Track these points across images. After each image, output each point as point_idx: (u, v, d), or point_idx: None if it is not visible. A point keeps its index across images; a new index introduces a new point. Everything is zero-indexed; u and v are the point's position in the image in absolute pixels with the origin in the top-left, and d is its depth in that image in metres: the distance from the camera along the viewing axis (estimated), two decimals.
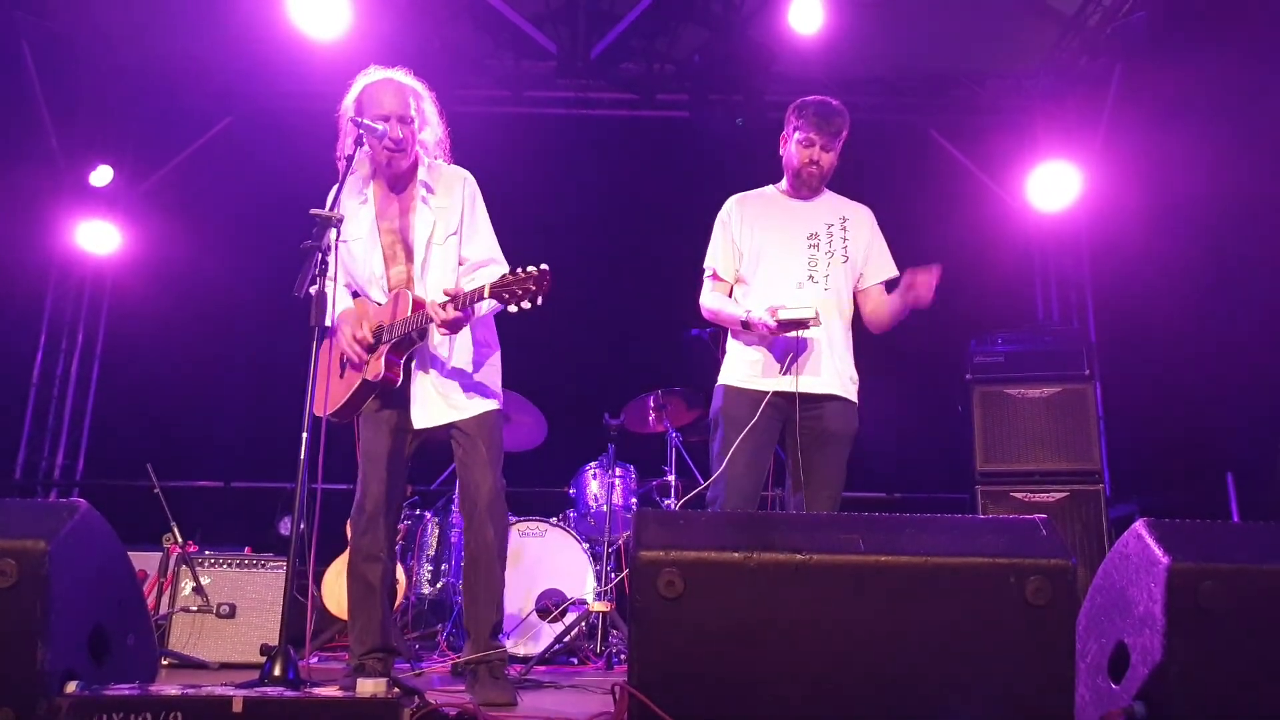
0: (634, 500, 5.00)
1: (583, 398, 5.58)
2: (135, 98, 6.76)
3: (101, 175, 6.49)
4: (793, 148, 3.36)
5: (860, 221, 3.42)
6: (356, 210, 3.08)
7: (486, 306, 2.94)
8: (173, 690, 1.77)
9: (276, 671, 2.26)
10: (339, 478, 2.99)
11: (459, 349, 3.07)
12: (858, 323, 3.42)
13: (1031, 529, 1.91)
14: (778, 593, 1.81)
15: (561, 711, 2.81)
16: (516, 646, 4.33)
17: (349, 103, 3.04)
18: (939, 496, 5.82)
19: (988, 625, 1.80)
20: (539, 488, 5.47)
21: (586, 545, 4.71)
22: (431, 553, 4.99)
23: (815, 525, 1.96)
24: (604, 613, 4.33)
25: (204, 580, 4.01)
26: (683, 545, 1.83)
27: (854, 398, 3.29)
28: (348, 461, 3.10)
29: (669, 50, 6.27)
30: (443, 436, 3.08)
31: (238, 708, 1.72)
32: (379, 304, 3.07)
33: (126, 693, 1.76)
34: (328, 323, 2.67)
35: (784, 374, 3.21)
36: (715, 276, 3.41)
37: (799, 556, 1.82)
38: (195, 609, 3.97)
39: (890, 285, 3.36)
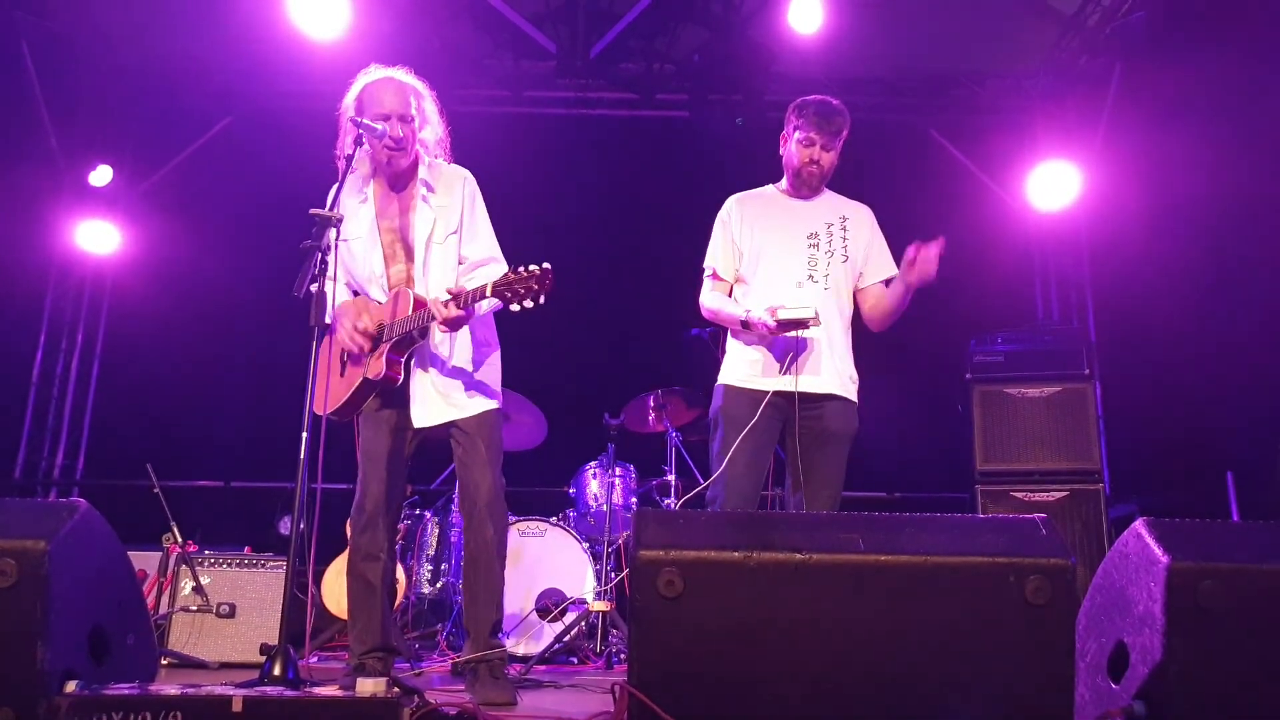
0: (634, 500, 5.00)
1: (583, 397, 5.58)
2: (135, 97, 6.76)
3: (101, 175, 6.49)
4: (793, 147, 3.36)
5: (860, 221, 3.42)
6: (356, 209, 3.08)
7: (487, 305, 2.94)
8: (172, 690, 1.77)
9: (276, 671, 2.26)
10: (339, 477, 2.99)
11: (459, 348, 3.07)
12: (858, 322, 3.42)
13: (1031, 528, 1.91)
14: (777, 592, 1.81)
15: (561, 711, 2.81)
16: (516, 646, 4.33)
17: (349, 102, 3.04)
18: (939, 496, 5.82)
19: (987, 624, 1.80)
20: (539, 487, 5.47)
21: (586, 545, 4.71)
22: (431, 552, 4.99)
23: (815, 525, 1.96)
24: (604, 612, 4.33)
25: (204, 580, 4.01)
26: (682, 545, 1.83)
27: (854, 397, 3.29)
28: (347, 461, 3.11)
29: (668, 50, 6.27)
30: (442, 435, 3.08)
31: (237, 707, 1.72)
32: (379, 303, 3.07)
33: (126, 692, 1.76)
34: (327, 319, 2.67)
35: (784, 373, 3.21)
36: (715, 276, 3.41)
37: (799, 556, 1.82)
38: (195, 609, 3.97)
39: (890, 284, 3.36)
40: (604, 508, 4.80)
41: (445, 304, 2.81)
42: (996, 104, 6.67)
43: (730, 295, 3.40)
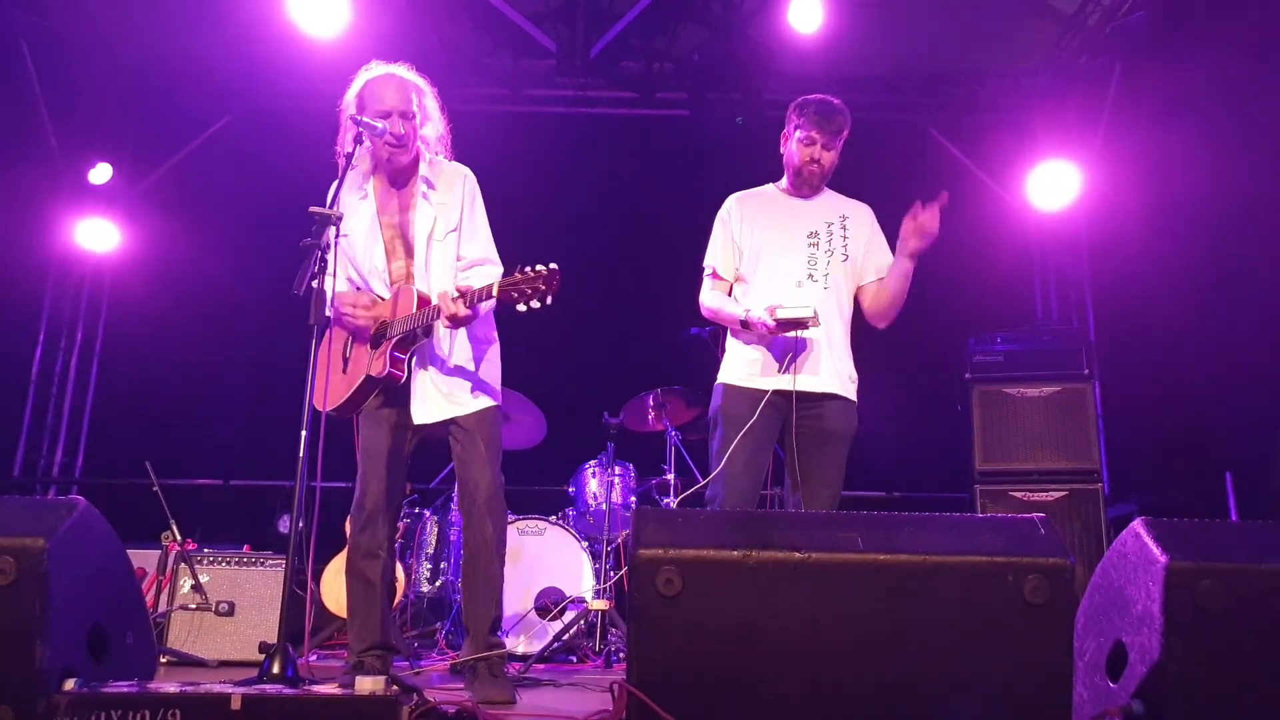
0: (633, 499, 5.00)
1: (582, 396, 5.58)
2: (134, 96, 6.76)
3: (100, 173, 6.49)
4: (794, 146, 3.36)
5: (860, 220, 3.42)
6: (356, 205, 3.08)
7: (487, 304, 2.94)
8: (171, 688, 1.77)
9: (275, 669, 2.26)
10: (338, 475, 2.99)
11: (459, 346, 3.07)
12: (858, 320, 3.42)
13: (1030, 528, 1.91)
14: (776, 591, 1.81)
15: (560, 709, 2.81)
16: (515, 644, 4.34)
17: (350, 98, 3.04)
18: (938, 495, 5.82)
19: (986, 624, 1.80)
20: (538, 486, 5.47)
21: (585, 543, 4.71)
22: (430, 551, 5.00)
23: (814, 524, 1.96)
24: (603, 611, 4.34)
25: (203, 578, 4.01)
26: (681, 544, 1.83)
27: (853, 396, 3.29)
28: (347, 459, 3.11)
29: (668, 49, 6.27)
30: (442, 434, 3.08)
31: (236, 705, 1.72)
32: (381, 298, 3.07)
33: (125, 690, 1.76)
34: (327, 313, 2.68)
35: (783, 373, 3.21)
36: (715, 275, 3.41)
37: (798, 555, 1.82)
38: (194, 607, 3.97)
39: (889, 269, 3.36)
40: (603, 506, 4.80)
41: (454, 300, 2.80)
42: (996, 103, 6.67)
43: (730, 294, 3.40)
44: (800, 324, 3.11)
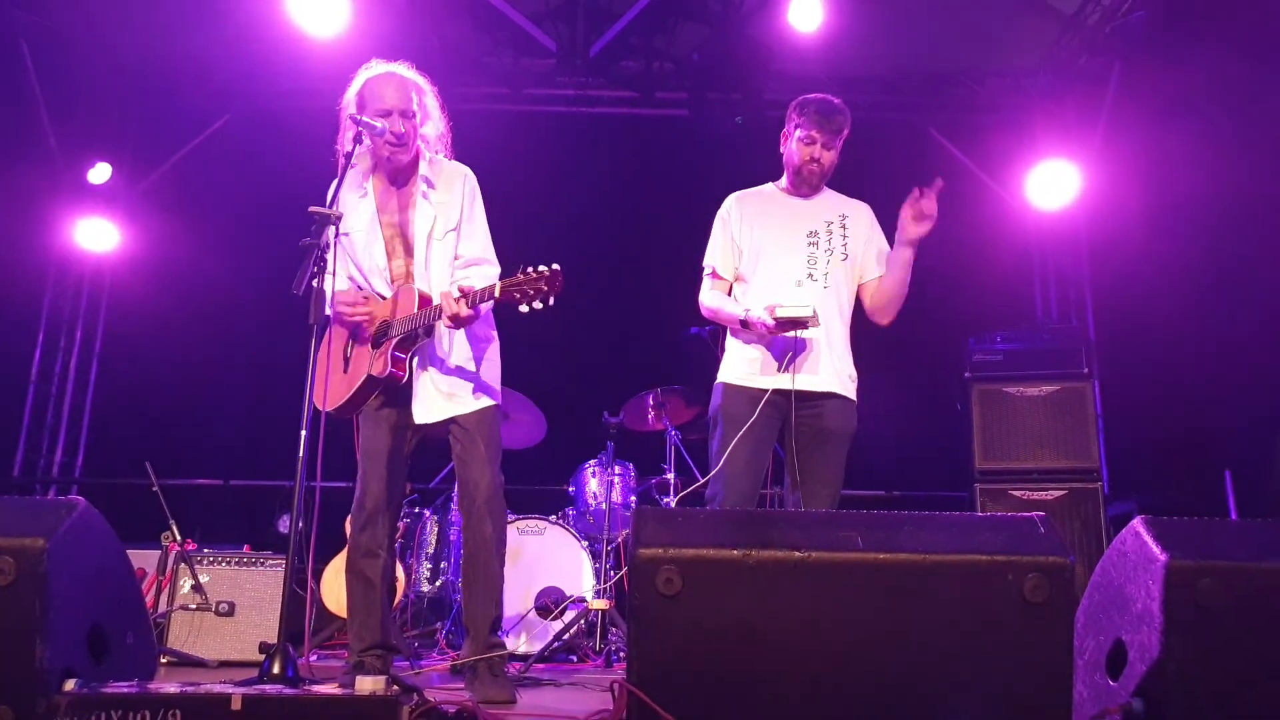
0: (633, 498, 5.00)
1: (582, 396, 5.59)
2: (134, 95, 6.76)
3: (100, 173, 6.49)
4: (794, 145, 3.36)
5: (860, 219, 3.42)
6: (356, 204, 3.08)
7: (488, 304, 2.94)
8: (171, 688, 1.77)
9: (275, 669, 2.26)
10: (338, 475, 2.99)
11: (459, 345, 3.07)
12: (857, 320, 3.42)
13: (1029, 527, 1.91)
14: (776, 590, 1.81)
15: (561, 709, 2.81)
16: (516, 644, 4.33)
17: (350, 97, 3.03)
18: (938, 494, 5.83)
19: (986, 623, 1.80)
20: (538, 485, 5.48)
21: (585, 543, 4.71)
22: (430, 551, 5.00)
23: (814, 523, 1.96)
24: (603, 610, 4.34)
25: (203, 578, 4.01)
26: (681, 543, 1.83)
27: (853, 396, 3.29)
28: (347, 459, 3.11)
29: (668, 48, 6.27)
30: (442, 433, 3.08)
31: (236, 705, 1.72)
32: (382, 297, 3.07)
33: (125, 690, 1.76)
34: (326, 312, 2.68)
35: (783, 372, 3.20)
36: (714, 274, 3.41)
37: (797, 554, 1.82)
38: (194, 607, 3.97)
39: (889, 261, 3.36)
40: (603, 506, 4.80)
41: (457, 300, 2.80)
42: (996, 103, 6.67)
43: (730, 294, 3.39)
44: (800, 323, 3.10)
